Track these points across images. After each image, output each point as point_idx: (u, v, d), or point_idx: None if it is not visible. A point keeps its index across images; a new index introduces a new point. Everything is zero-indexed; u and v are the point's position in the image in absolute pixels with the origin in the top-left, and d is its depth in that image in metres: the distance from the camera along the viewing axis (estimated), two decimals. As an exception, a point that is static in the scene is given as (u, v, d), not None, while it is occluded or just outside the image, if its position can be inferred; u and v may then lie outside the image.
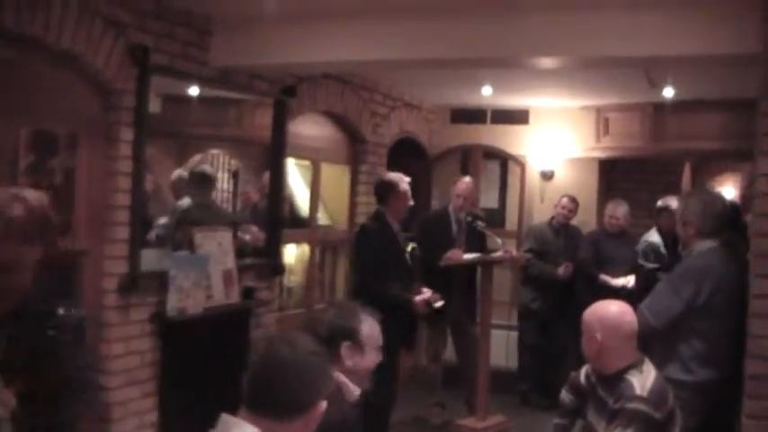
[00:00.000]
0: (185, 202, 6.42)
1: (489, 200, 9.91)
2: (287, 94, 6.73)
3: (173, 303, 5.58)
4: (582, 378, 4.05)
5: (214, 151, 7.10)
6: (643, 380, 3.62)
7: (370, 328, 3.39)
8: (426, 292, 6.41)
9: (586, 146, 9.40)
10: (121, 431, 5.41)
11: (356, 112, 8.14)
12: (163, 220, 6.15)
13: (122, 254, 5.33)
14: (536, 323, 8.51)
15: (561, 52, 5.38)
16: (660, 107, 8.67)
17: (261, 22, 5.70)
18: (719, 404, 4.64)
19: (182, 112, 6.41)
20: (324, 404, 2.50)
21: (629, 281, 7.71)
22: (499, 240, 7.52)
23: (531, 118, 9.69)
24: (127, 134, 5.29)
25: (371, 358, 3.37)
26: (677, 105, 8.34)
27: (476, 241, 7.40)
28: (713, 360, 4.57)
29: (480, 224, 7.44)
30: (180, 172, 6.64)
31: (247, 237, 6.83)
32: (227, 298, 6.10)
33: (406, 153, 9.33)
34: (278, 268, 6.98)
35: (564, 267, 8.17)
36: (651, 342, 4.38)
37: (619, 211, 8.16)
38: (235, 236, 6.34)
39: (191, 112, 6.44)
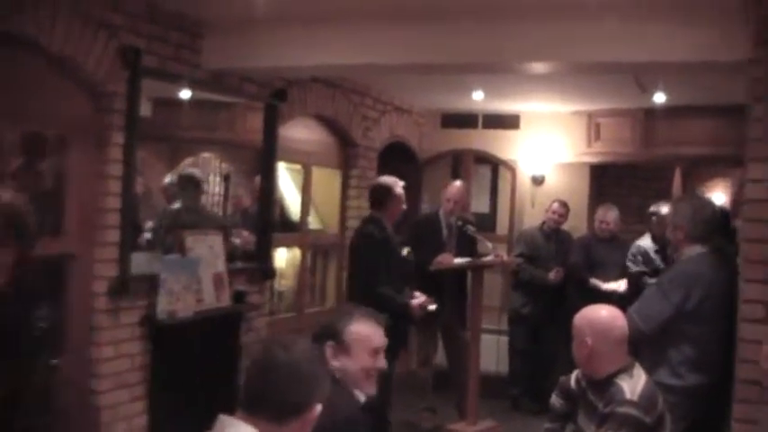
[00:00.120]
0: (175, 205, 6.42)
1: (480, 204, 9.91)
2: (277, 98, 6.73)
3: (163, 307, 5.56)
4: (572, 382, 4.05)
5: (205, 155, 7.09)
6: (633, 384, 3.62)
7: (361, 329, 3.34)
8: (420, 297, 6.43)
9: (577, 151, 9.42)
10: (111, 435, 5.40)
11: (347, 116, 8.15)
12: (150, 224, 6.15)
13: (113, 257, 5.32)
14: (527, 328, 8.51)
15: (552, 58, 5.40)
16: (651, 113, 8.70)
17: (252, 25, 5.71)
18: (708, 409, 4.64)
19: (173, 115, 6.40)
20: (319, 407, 2.52)
21: (620, 285, 7.72)
22: (490, 245, 7.52)
23: (523, 123, 9.69)
24: (118, 137, 5.29)
25: (362, 361, 3.31)
26: (668, 111, 8.38)
27: (466, 246, 7.39)
28: (702, 365, 4.58)
29: (471, 229, 7.44)
30: (172, 177, 6.62)
31: (237, 241, 6.83)
32: (217, 301, 6.09)
33: (397, 157, 9.33)
34: (269, 272, 6.97)
35: (555, 272, 8.18)
36: (641, 347, 4.39)
37: (609, 216, 8.17)
38: (225, 239, 6.33)
39: (182, 115, 6.43)
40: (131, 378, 5.52)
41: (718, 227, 5.02)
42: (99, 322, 5.28)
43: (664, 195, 9.02)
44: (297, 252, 8.03)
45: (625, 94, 7.91)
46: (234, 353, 6.38)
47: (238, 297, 6.40)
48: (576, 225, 8.93)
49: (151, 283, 5.55)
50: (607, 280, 7.86)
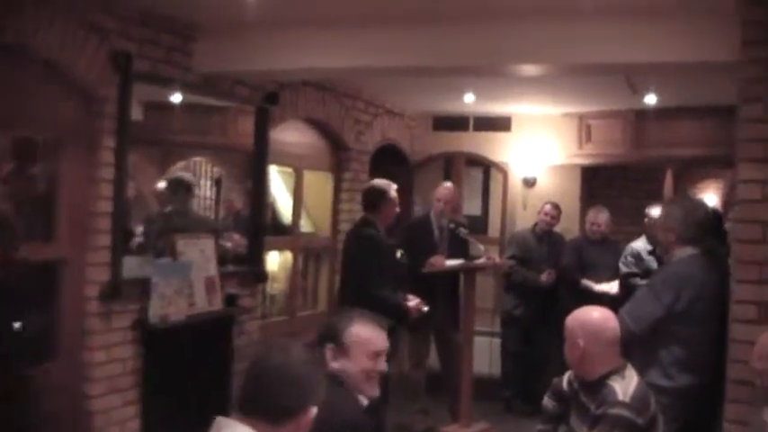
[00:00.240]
0: (165, 209, 6.42)
1: (472, 207, 9.92)
2: (269, 102, 6.73)
3: (155, 311, 5.56)
4: (564, 384, 4.06)
5: (197, 159, 7.09)
6: (625, 385, 3.62)
7: (361, 331, 3.37)
8: (414, 299, 6.45)
9: (569, 153, 9.42)
10: (103, 439, 5.39)
11: (339, 119, 8.15)
12: (140, 228, 6.14)
13: (104, 261, 5.31)
14: (519, 330, 8.52)
15: (543, 60, 5.40)
16: (642, 114, 8.71)
17: (244, 28, 5.71)
18: (700, 410, 4.66)
19: (164, 119, 6.40)
20: (314, 410, 2.55)
21: (612, 287, 7.74)
22: (482, 247, 7.52)
23: (514, 125, 9.69)
24: (109, 141, 5.28)
25: (361, 363, 3.33)
26: (659, 112, 8.39)
27: (458, 248, 7.39)
28: (693, 366, 4.59)
29: (463, 231, 7.43)
30: (165, 181, 6.62)
31: (228, 244, 6.83)
32: (209, 305, 6.08)
33: (389, 160, 9.34)
34: (261, 275, 6.96)
35: (547, 274, 8.19)
36: (631, 348, 4.39)
37: (600, 217, 8.18)
38: (217, 243, 6.33)
39: (173, 119, 6.43)
40: (124, 382, 5.51)
41: (710, 228, 5.03)
42: (91, 326, 5.27)
43: (655, 197, 9.04)
44: (289, 255, 8.03)
45: (616, 96, 7.93)
46: (226, 356, 6.37)
47: (230, 300, 6.40)
48: (568, 227, 8.94)
49: (143, 288, 5.54)
50: (599, 281, 7.87)
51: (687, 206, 4.97)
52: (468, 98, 8.04)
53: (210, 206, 7.17)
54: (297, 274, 8.10)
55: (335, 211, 8.53)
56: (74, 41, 4.97)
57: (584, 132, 9.34)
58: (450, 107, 9.33)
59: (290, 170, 7.98)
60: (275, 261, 7.99)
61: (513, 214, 9.66)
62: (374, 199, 6.55)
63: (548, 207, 8.49)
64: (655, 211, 7.12)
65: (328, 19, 5.48)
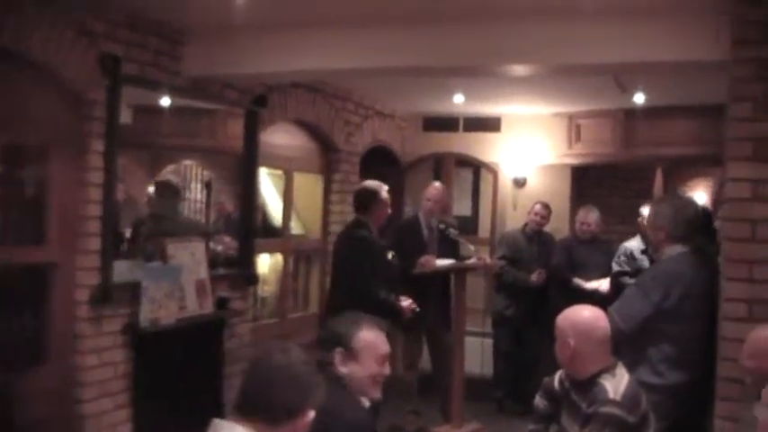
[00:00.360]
0: (152, 212, 6.41)
1: (462, 207, 9.93)
2: (258, 104, 6.72)
3: (145, 314, 5.55)
4: (555, 383, 4.06)
5: (187, 162, 7.07)
6: (616, 384, 3.63)
7: (369, 336, 3.43)
8: (405, 300, 6.45)
9: (558, 152, 9.43)
10: (95, 444, 5.38)
11: (329, 121, 8.14)
12: (128, 231, 6.14)
13: (94, 265, 5.30)
14: (510, 330, 8.53)
15: (532, 60, 5.41)
16: (631, 113, 8.72)
17: (232, 31, 5.70)
18: (690, 407, 4.66)
19: (154, 122, 6.38)
20: (312, 413, 2.56)
21: (602, 284, 7.75)
22: (472, 247, 7.52)
23: (504, 125, 9.70)
24: (98, 145, 5.27)
25: (369, 368, 3.40)
26: (648, 111, 8.40)
27: (449, 249, 7.39)
28: (683, 363, 4.59)
29: (453, 232, 7.44)
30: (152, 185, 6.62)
31: (219, 247, 6.82)
32: (200, 308, 6.08)
33: (379, 161, 9.34)
34: (251, 278, 6.96)
35: (537, 274, 8.20)
36: (621, 346, 4.40)
37: (590, 217, 8.19)
38: (207, 246, 6.32)
39: (163, 122, 6.41)
40: (115, 386, 5.50)
41: (700, 226, 5.04)
42: (81, 331, 5.26)
43: (645, 196, 9.07)
44: (279, 258, 8.02)
45: (605, 95, 7.94)
46: (217, 360, 6.37)
47: (221, 303, 6.40)
48: (558, 227, 8.95)
49: (133, 291, 5.53)
50: (589, 281, 7.88)
51: (676, 204, 4.98)
52: (458, 99, 8.04)
53: (201, 209, 7.16)
54: (287, 277, 8.10)
55: (326, 213, 8.52)
56: (62, 45, 4.96)
57: (574, 132, 9.35)
58: (440, 108, 9.34)
59: (279, 172, 7.97)
60: (266, 263, 7.98)
61: (503, 214, 9.67)
62: (366, 200, 6.55)
63: (538, 207, 8.51)
64: (645, 209, 7.14)
65: (317, 21, 5.48)
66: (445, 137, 9.91)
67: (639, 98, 7.47)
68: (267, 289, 8.03)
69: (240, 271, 6.79)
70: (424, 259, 7.00)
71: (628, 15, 4.88)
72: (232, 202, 7.24)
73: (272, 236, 7.89)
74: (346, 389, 3.34)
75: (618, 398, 3.58)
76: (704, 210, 5.97)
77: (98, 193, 5.29)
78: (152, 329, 5.59)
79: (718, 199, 9.09)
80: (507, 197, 9.66)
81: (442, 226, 7.46)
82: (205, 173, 7.19)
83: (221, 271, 6.56)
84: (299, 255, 8.44)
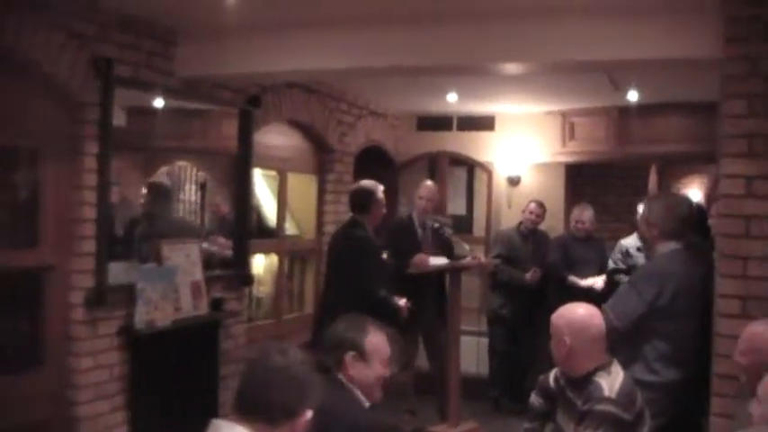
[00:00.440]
0: (146, 213, 6.40)
1: (456, 206, 9.92)
2: (252, 105, 6.72)
3: (141, 316, 5.55)
4: (551, 381, 4.07)
5: (181, 163, 7.06)
6: (611, 381, 3.64)
7: (376, 340, 3.51)
8: (401, 299, 6.46)
9: (553, 151, 9.43)
10: (91, 446, 5.37)
11: (323, 121, 8.14)
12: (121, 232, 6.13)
13: (89, 267, 5.30)
14: (506, 329, 8.53)
15: (525, 58, 5.40)
16: (625, 111, 8.72)
17: (225, 31, 5.69)
18: (686, 404, 4.67)
19: (147, 124, 6.37)
20: (310, 413, 2.58)
21: (597, 281, 7.76)
22: (467, 247, 7.51)
23: (497, 124, 9.71)
24: (92, 147, 5.27)
25: (377, 370, 3.48)
26: (642, 109, 8.41)
27: (443, 248, 7.39)
28: (678, 360, 4.60)
29: (447, 231, 7.44)
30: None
31: (214, 248, 6.81)
32: (195, 310, 6.08)
33: (373, 161, 9.34)
34: (246, 279, 6.95)
35: (532, 273, 8.21)
36: (616, 343, 4.40)
37: (585, 215, 8.20)
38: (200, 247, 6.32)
39: (156, 124, 6.40)
40: (111, 388, 5.50)
41: (693, 223, 5.05)
42: (77, 333, 5.26)
43: (639, 193, 9.06)
44: (274, 258, 8.02)
45: (599, 93, 7.94)
46: (213, 361, 6.36)
47: (216, 305, 6.39)
48: (553, 225, 8.96)
49: (128, 293, 5.53)
50: (584, 278, 7.89)
51: (669, 201, 4.99)
52: (452, 98, 8.03)
53: (196, 210, 7.14)
54: (282, 277, 8.10)
55: (320, 213, 8.52)
56: (55, 47, 4.95)
57: (568, 130, 9.34)
58: (433, 107, 9.34)
59: (274, 173, 7.97)
60: (261, 264, 7.98)
61: (497, 213, 9.67)
62: (362, 200, 6.56)
63: (532, 205, 8.52)
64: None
65: (309, 21, 5.47)
66: (439, 136, 9.90)
67: (633, 96, 7.47)
68: (262, 290, 8.03)
69: (235, 272, 6.79)
70: (417, 258, 7.01)
71: (621, 13, 4.88)
72: (227, 203, 7.24)
73: (266, 236, 7.88)
74: (346, 389, 3.38)
75: (613, 395, 3.59)
76: (698, 207, 5.98)
77: (92, 195, 5.29)
78: (147, 331, 5.59)
79: (711, 195, 9.10)
80: (502, 196, 9.66)
81: (436, 225, 7.46)
82: (200, 174, 7.18)
83: (216, 272, 6.56)
84: (293, 255, 8.44)
